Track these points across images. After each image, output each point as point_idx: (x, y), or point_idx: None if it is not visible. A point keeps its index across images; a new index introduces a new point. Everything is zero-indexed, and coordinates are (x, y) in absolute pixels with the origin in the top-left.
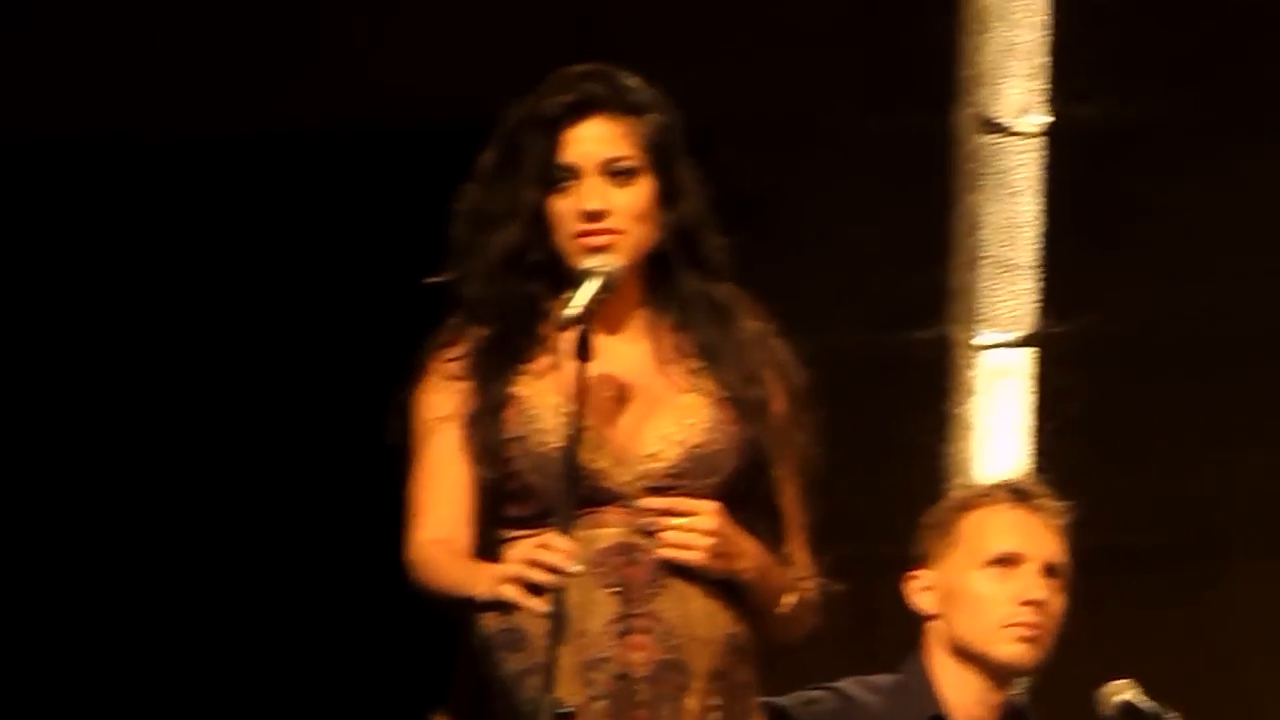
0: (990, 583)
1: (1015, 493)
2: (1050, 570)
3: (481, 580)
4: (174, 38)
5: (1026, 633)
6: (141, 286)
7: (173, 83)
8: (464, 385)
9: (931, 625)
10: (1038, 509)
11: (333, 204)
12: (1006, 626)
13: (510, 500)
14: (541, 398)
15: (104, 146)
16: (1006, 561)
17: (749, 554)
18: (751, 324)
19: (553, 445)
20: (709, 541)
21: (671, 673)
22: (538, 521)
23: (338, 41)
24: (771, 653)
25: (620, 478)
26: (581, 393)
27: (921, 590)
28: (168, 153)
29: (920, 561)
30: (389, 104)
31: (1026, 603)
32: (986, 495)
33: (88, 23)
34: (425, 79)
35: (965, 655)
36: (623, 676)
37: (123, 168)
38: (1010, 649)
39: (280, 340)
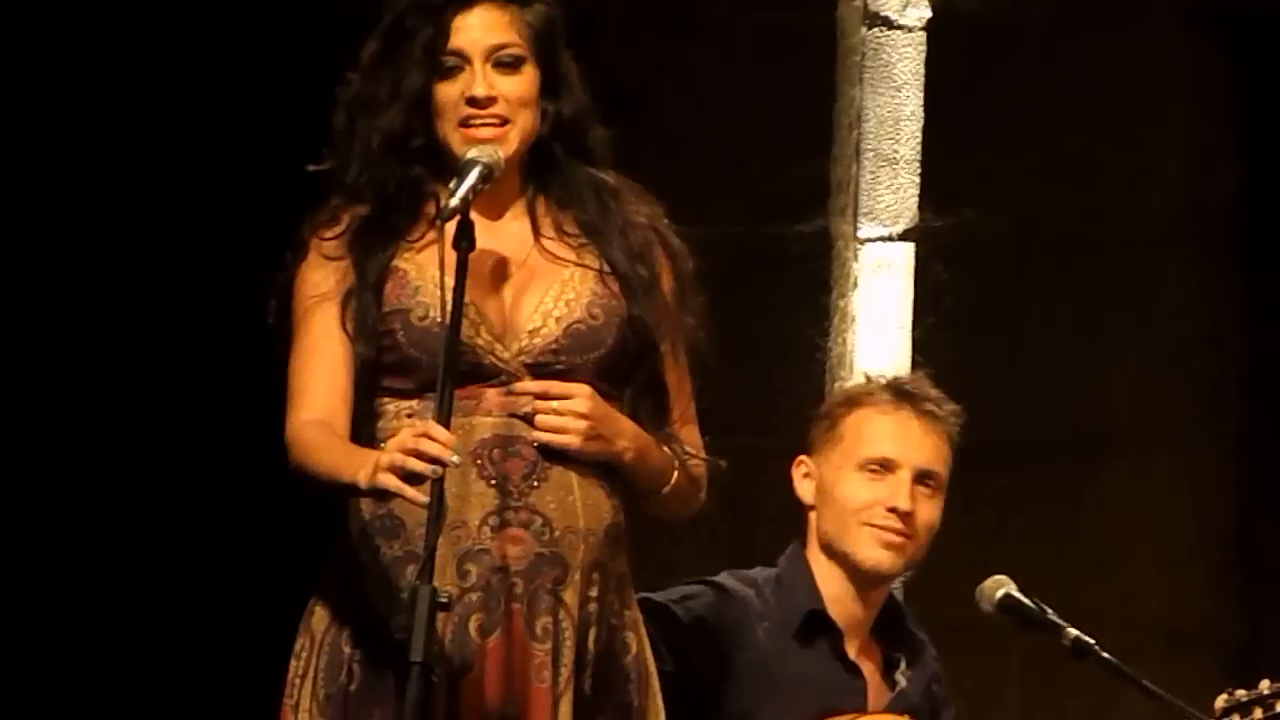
0: (860, 485)
1: (901, 394)
2: (923, 477)
3: (360, 467)
4: None
5: (889, 538)
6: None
7: None
8: (342, 263)
9: (811, 515)
10: (921, 414)
11: (219, 97)
12: (869, 527)
13: (390, 373)
14: (422, 271)
15: None
16: (879, 466)
17: (626, 434)
18: (639, 206)
19: (432, 320)
20: (583, 424)
21: (549, 566)
22: (417, 394)
23: None
24: (641, 549)
25: (501, 353)
26: (461, 282)
27: (803, 478)
28: (59, 42)
29: (807, 449)
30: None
31: (892, 509)
32: (872, 394)
33: None
34: None
35: (831, 552)
36: (500, 569)
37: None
38: (871, 553)
39: (160, 230)
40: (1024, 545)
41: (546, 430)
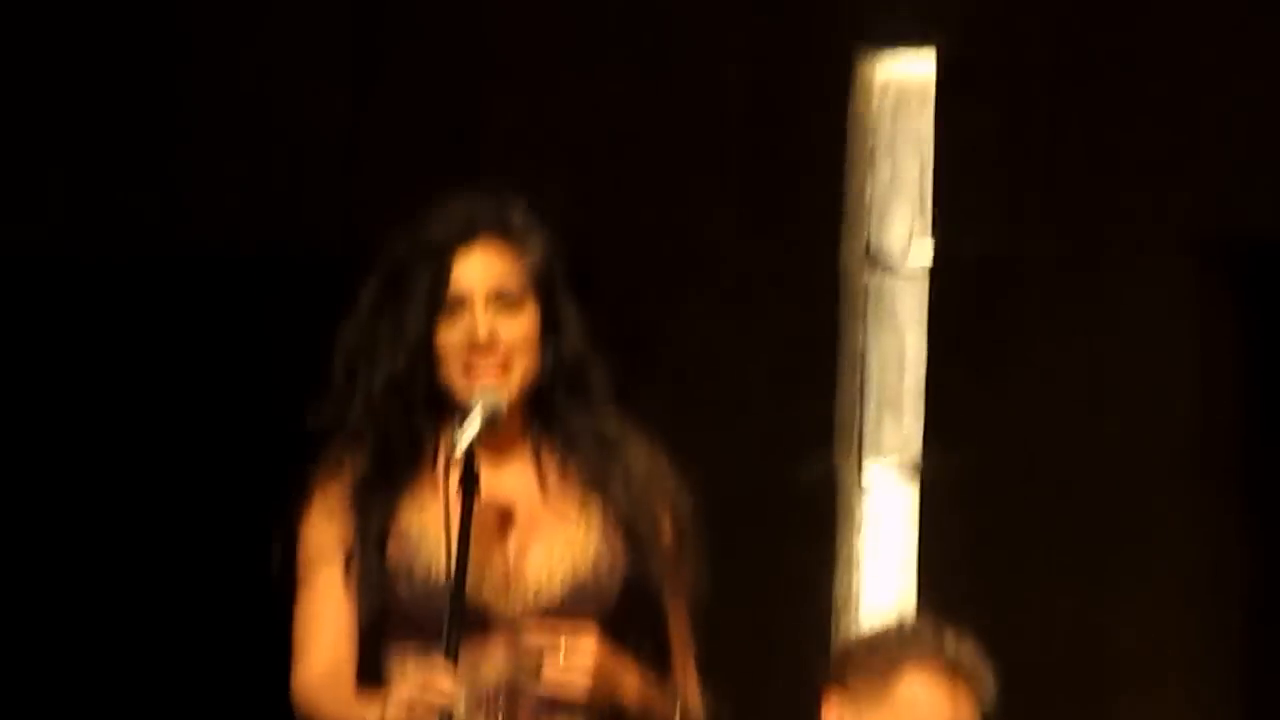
0: None
1: (958, 668)
2: None
3: (367, 719)
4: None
5: None
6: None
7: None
8: (345, 518)
9: None
10: (969, 691)
11: (218, 334)
12: None
13: (394, 629)
14: (424, 527)
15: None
16: None
17: (631, 684)
18: (640, 452)
19: (435, 576)
20: (588, 676)
21: None
22: (422, 649)
23: (213, 171)
24: None
25: (505, 608)
26: (467, 528)
27: None
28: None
29: (842, 679)
30: (271, 235)
31: None
32: (935, 660)
33: None
34: (302, 211)
35: None
36: None
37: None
38: None
39: (158, 470)
40: None
41: (553, 679)
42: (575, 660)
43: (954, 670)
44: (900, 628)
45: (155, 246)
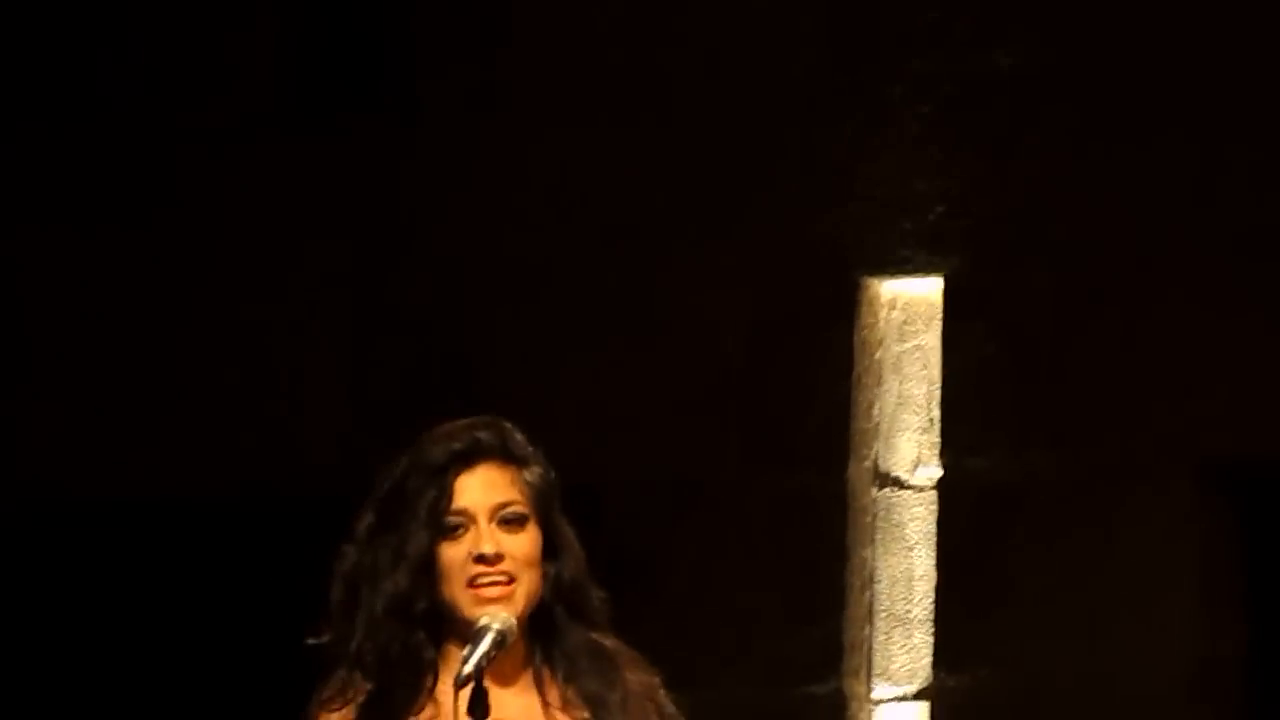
0: None
1: None
2: None
3: None
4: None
5: None
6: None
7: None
8: None
9: None
10: None
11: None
12: None
13: None
14: None
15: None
16: None
17: None
18: (637, 676)
19: None
20: None
21: None
22: None
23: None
24: None
25: None
26: None
27: None
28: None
29: None
30: (264, 472)
31: None
32: None
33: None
34: (296, 449)
35: None
36: None
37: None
38: None
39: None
40: None
41: None
42: None
43: None
44: None
45: (155, 487)
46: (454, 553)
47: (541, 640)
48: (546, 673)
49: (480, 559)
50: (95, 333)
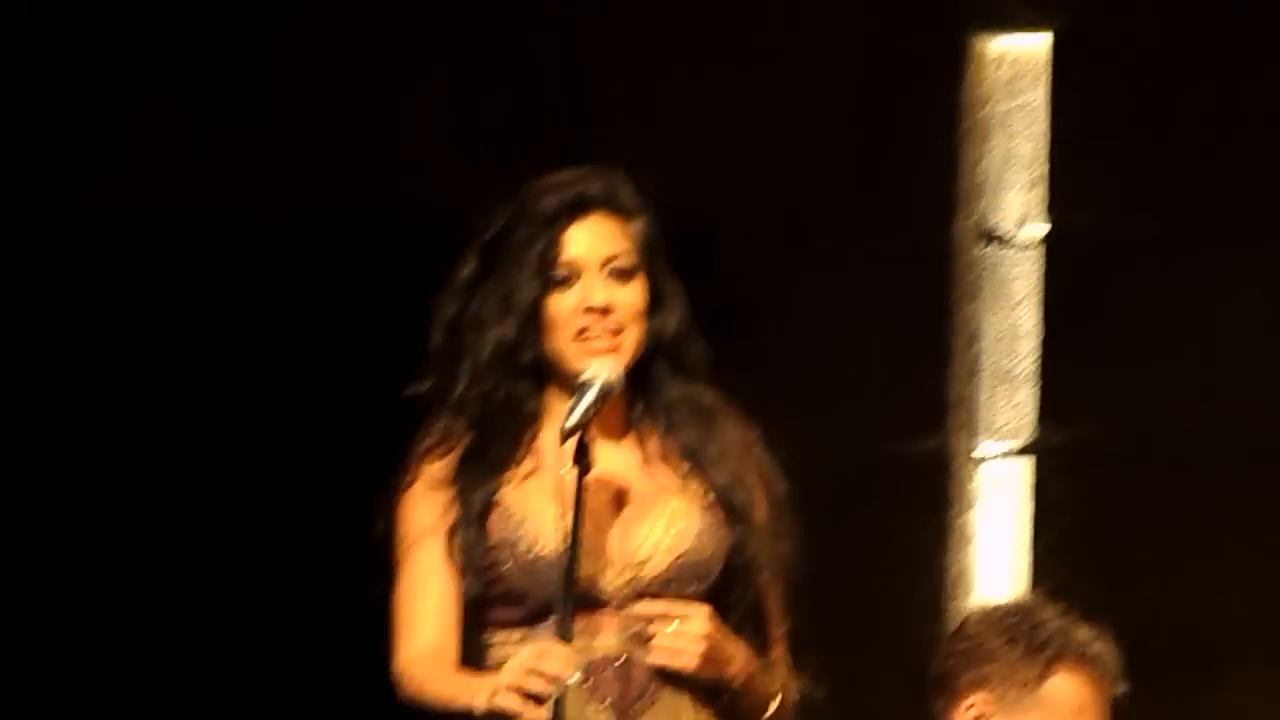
0: None
1: (1097, 662)
2: None
3: (478, 690)
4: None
5: None
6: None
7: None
8: (447, 492)
9: None
10: (1112, 688)
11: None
12: None
13: (497, 605)
14: (526, 502)
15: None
16: None
17: (738, 659)
18: (736, 429)
19: (540, 550)
20: (700, 647)
21: None
22: (525, 624)
23: (315, 132)
24: None
25: (611, 583)
26: (580, 502)
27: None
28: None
29: (983, 684)
30: (376, 204)
31: None
32: (1081, 659)
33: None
34: (408, 180)
35: None
36: None
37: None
38: None
39: (257, 441)
40: None
41: (663, 652)
42: (687, 631)
43: (1100, 668)
44: (1040, 625)
45: (260, 210)
46: (562, 303)
47: (642, 393)
48: (646, 425)
49: (589, 310)
50: (210, 55)
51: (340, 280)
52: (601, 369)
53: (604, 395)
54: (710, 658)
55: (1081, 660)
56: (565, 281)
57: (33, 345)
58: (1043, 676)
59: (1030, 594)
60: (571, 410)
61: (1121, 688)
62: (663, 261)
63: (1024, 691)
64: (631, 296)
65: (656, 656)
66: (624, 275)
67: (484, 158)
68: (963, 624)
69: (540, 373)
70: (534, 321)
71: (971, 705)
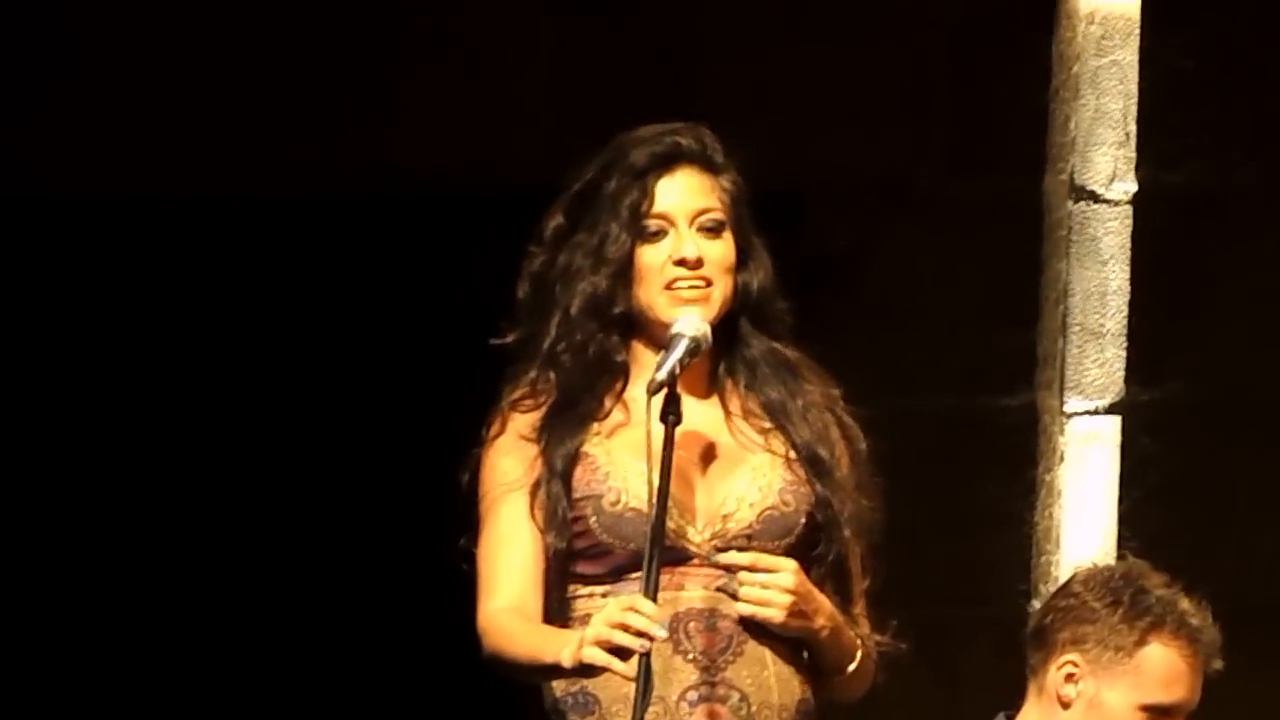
0: None
1: (1195, 637)
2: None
3: (563, 645)
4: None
5: None
6: (207, 342)
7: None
8: (534, 445)
9: (1062, 712)
10: (1208, 663)
11: (396, 261)
12: None
13: (581, 560)
14: (612, 456)
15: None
16: (1161, 713)
17: (824, 612)
18: (819, 386)
19: (625, 505)
20: (788, 599)
21: None
22: (610, 579)
23: (419, 102)
24: (851, 717)
25: (695, 538)
26: (668, 456)
27: (1067, 680)
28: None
29: (1078, 642)
30: (477, 167)
31: None
32: (1179, 630)
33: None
34: (516, 144)
35: None
36: None
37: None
38: None
39: (348, 394)
40: (1239, 716)
41: (751, 603)
42: (775, 583)
43: (1199, 645)
44: (1144, 592)
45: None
46: (653, 255)
47: (726, 349)
48: (729, 382)
49: (681, 262)
50: (290, 22)
51: (445, 240)
52: (691, 325)
53: (693, 350)
54: (797, 611)
55: (1179, 632)
56: (656, 234)
57: (60, 332)
58: (1139, 644)
59: (1138, 561)
60: (660, 365)
61: (1217, 664)
62: (749, 218)
63: (1118, 656)
64: (721, 251)
65: (744, 608)
66: (714, 230)
67: (579, 116)
68: (1068, 582)
69: (629, 325)
70: (625, 273)
71: (1066, 663)
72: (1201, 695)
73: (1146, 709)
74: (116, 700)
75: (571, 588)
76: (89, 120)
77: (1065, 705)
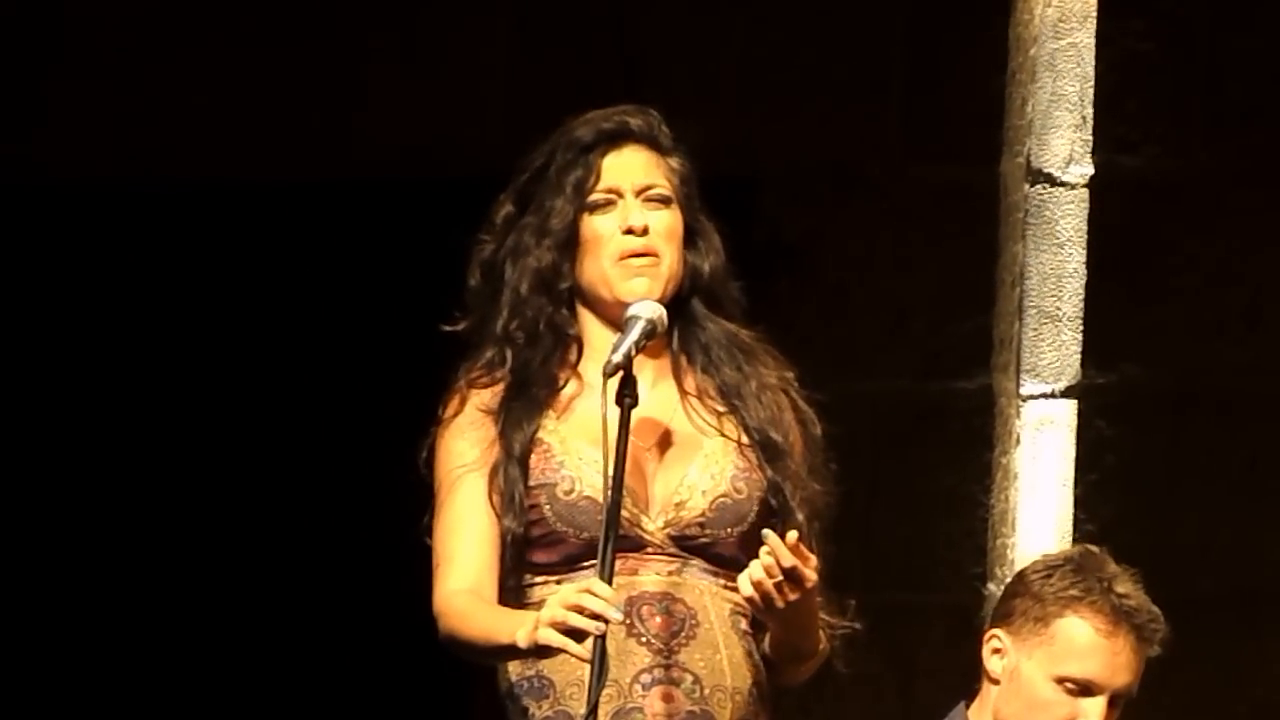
0: (1054, 697)
1: (1120, 614)
2: (1116, 698)
3: (518, 628)
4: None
5: None
6: (180, 330)
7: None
8: (488, 430)
9: (991, 689)
10: (1137, 640)
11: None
12: None
13: (535, 547)
14: (567, 445)
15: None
16: (1079, 688)
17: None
18: (773, 368)
19: (579, 494)
20: (815, 560)
21: None
22: (564, 568)
23: (374, 95)
24: (805, 703)
25: (650, 526)
26: (624, 439)
27: (994, 653)
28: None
29: (1004, 619)
30: (430, 156)
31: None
32: (1095, 605)
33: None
34: (461, 132)
35: None
36: None
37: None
38: None
39: (304, 383)
40: (1185, 702)
41: (797, 556)
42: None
43: (1125, 622)
44: (1083, 570)
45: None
46: (600, 225)
47: (680, 331)
48: (684, 363)
49: (629, 231)
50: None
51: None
52: (646, 307)
53: (649, 332)
54: (815, 589)
55: (1102, 607)
56: (604, 205)
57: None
58: (1058, 615)
59: (1096, 549)
60: (615, 348)
61: (1156, 650)
62: (698, 201)
63: (1036, 626)
64: (668, 221)
65: (787, 558)
66: (660, 203)
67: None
68: (1024, 568)
69: (579, 300)
70: (570, 245)
71: (992, 637)
72: (1152, 680)
73: (1061, 681)
74: (116, 700)
75: (526, 576)
76: (64, 110)
77: (995, 682)
